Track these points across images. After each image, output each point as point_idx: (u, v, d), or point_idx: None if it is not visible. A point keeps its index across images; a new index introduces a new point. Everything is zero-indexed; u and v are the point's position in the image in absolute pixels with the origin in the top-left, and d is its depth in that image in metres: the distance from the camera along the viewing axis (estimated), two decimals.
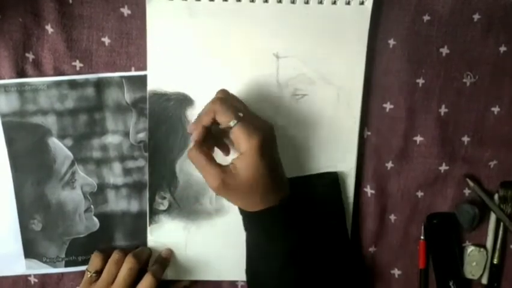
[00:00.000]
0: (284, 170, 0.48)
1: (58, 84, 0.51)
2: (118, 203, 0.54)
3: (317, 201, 0.49)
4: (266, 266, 0.46)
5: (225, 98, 0.45)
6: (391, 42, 0.53)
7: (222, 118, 0.43)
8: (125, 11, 0.51)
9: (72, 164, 0.52)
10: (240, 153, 0.43)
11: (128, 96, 0.52)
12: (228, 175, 0.43)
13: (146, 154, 0.52)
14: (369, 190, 0.55)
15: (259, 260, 0.47)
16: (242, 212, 0.47)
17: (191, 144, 0.46)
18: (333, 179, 0.53)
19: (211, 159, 0.44)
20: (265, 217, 0.45)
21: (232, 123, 0.42)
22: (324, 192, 0.51)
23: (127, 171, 0.53)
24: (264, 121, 0.46)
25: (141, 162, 0.53)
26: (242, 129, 0.42)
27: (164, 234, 0.53)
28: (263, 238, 0.47)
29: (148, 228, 0.53)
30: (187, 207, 0.53)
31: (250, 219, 0.47)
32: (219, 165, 0.44)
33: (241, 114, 0.43)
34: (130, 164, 0.53)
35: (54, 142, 0.52)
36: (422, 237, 0.56)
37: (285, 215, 0.46)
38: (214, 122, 0.44)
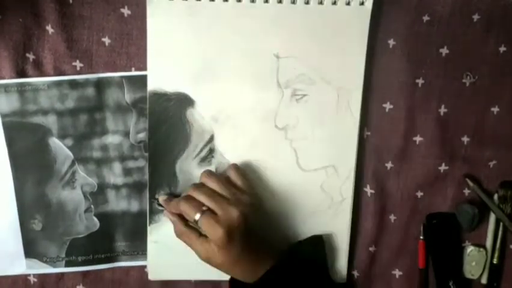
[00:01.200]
0: (267, 241, 0.50)
1: (58, 84, 0.51)
2: (118, 203, 0.54)
3: (304, 267, 0.51)
4: None
5: (189, 196, 0.48)
6: (391, 42, 0.53)
7: (187, 214, 0.47)
8: (126, 11, 0.51)
9: (72, 164, 0.52)
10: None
11: (128, 96, 0.52)
12: (211, 253, 0.46)
13: (147, 154, 0.52)
14: (369, 190, 0.55)
15: None
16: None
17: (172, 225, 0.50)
18: (319, 243, 0.53)
19: (197, 235, 0.47)
20: (266, 282, 0.47)
21: (196, 217, 0.46)
22: (311, 258, 0.52)
23: (127, 171, 0.53)
24: (232, 209, 0.46)
25: (141, 162, 0.53)
26: (205, 223, 0.45)
27: (164, 233, 0.53)
28: None
29: (148, 228, 0.54)
30: None
31: None
32: (206, 240, 0.46)
33: (204, 208, 0.46)
34: (130, 164, 0.53)
35: (54, 142, 0.52)
36: (421, 237, 0.56)
37: (272, 285, 0.48)
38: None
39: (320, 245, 0.53)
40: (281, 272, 0.48)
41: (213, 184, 0.48)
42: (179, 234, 0.49)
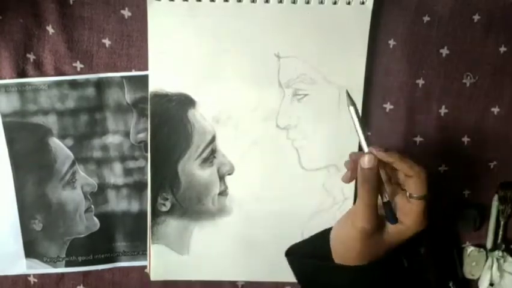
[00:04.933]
0: None
1: (59, 84, 0.51)
2: (118, 203, 0.54)
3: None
4: None
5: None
6: (391, 42, 0.53)
7: (407, 167, 0.41)
8: (126, 12, 0.51)
9: (72, 164, 0.52)
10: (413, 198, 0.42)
11: (128, 97, 0.52)
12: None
13: (147, 154, 0.52)
14: None
15: None
16: (343, 268, 0.44)
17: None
18: None
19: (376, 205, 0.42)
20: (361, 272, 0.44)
21: (415, 170, 0.41)
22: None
23: (127, 171, 0.53)
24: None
25: (141, 163, 0.53)
26: (422, 179, 0.41)
27: (167, 235, 0.54)
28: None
29: (150, 229, 0.54)
30: (189, 208, 0.54)
31: (356, 272, 0.44)
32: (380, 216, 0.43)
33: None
34: (131, 164, 0.53)
35: (55, 142, 0.52)
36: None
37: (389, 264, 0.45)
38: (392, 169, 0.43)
39: None
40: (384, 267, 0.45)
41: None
42: (369, 177, 0.42)
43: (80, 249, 0.54)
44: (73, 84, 0.51)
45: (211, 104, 0.52)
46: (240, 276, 0.55)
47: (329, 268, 0.45)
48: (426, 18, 0.53)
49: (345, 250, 0.44)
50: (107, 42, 0.51)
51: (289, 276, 0.49)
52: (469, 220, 0.55)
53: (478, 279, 0.57)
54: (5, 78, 0.51)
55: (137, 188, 0.54)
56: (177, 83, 0.51)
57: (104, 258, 0.55)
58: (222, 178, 0.53)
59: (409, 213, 0.42)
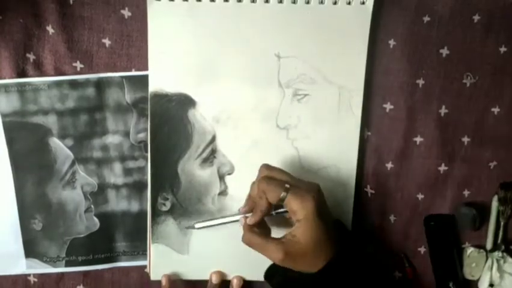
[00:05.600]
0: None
1: (59, 84, 0.51)
2: (118, 203, 0.54)
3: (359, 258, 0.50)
4: None
5: (268, 176, 0.46)
6: (391, 42, 0.53)
7: (272, 196, 0.44)
8: (126, 12, 0.51)
9: (72, 164, 0.52)
10: (296, 221, 0.44)
11: (128, 96, 0.52)
12: (288, 245, 0.44)
13: (147, 154, 0.52)
14: (369, 190, 0.55)
15: None
16: (302, 275, 0.45)
17: (241, 228, 0.47)
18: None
19: (267, 236, 0.46)
20: (328, 271, 0.45)
21: (282, 196, 0.44)
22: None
23: (127, 171, 0.53)
24: (310, 183, 0.47)
25: (141, 162, 0.53)
26: (294, 198, 0.43)
27: (167, 234, 0.54)
28: None
29: (150, 229, 0.54)
30: (189, 208, 0.54)
31: (313, 279, 0.45)
32: (276, 239, 0.45)
33: (287, 186, 0.44)
34: (131, 164, 0.53)
35: (54, 142, 0.52)
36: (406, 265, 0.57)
37: (344, 264, 0.46)
38: (270, 204, 0.46)
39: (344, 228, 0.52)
40: (341, 263, 0.46)
41: (279, 171, 0.47)
42: (250, 239, 0.46)
43: (80, 249, 0.54)
44: (73, 84, 0.51)
45: (211, 104, 0.52)
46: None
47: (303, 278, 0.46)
48: (426, 18, 0.53)
49: (296, 266, 0.45)
50: (107, 42, 0.51)
51: None
52: (469, 220, 0.55)
53: (478, 280, 0.57)
54: (5, 78, 0.51)
55: (137, 188, 0.54)
56: (177, 83, 0.51)
57: (104, 258, 0.55)
58: (222, 178, 0.54)
59: (290, 209, 0.44)
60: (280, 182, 0.45)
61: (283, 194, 0.44)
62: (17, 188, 0.52)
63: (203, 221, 0.51)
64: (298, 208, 0.43)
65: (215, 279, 0.53)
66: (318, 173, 0.54)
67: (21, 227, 0.53)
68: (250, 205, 0.48)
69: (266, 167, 0.48)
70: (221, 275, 0.53)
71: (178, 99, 0.52)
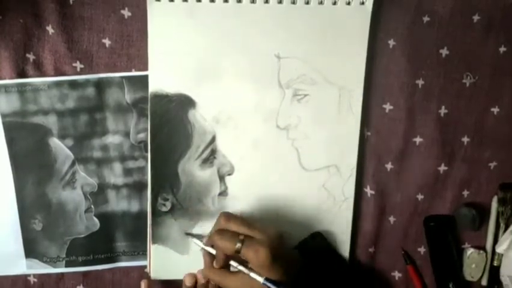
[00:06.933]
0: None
1: (59, 84, 0.51)
2: (118, 203, 0.54)
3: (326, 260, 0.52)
4: None
5: (221, 230, 0.47)
6: (391, 42, 0.53)
7: (227, 249, 0.46)
8: (126, 12, 0.51)
9: (72, 164, 0.52)
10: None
11: (128, 97, 0.52)
12: (250, 283, 0.46)
13: (147, 154, 0.52)
14: (369, 190, 0.55)
15: None
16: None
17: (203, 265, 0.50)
18: (322, 238, 0.55)
19: (226, 272, 0.48)
20: None
21: (237, 248, 0.45)
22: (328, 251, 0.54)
23: (127, 172, 0.53)
24: (267, 228, 0.47)
25: (141, 163, 0.53)
26: (248, 250, 0.45)
27: (167, 235, 0.54)
28: None
29: (150, 229, 0.54)
30: (189, 208, 0.54)
31: None
32: (236, 273, 0.47)
33: (241, 237, 0.45)
34: (131, 164, 0.53)
35: (55, 142, 0.52)
36: (407, 262, 0.57)
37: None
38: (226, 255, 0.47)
39: (324, 239, 0.54)
40: (311, 268, 0.48)
41: (236, 221, 0.48)
42: (209, 274, 0.49)
43: (80, 249, 0.54)
44: (73, 85, 0.51)
45: (211, 104, 0.52)
46: None
47: None
48: (426, 18, 0.53)
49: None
50: (107, 42, 0.51)
51: None
52: (469, 221, 0.55)
53: (478, 280, 0.57)
54: (5, 79, 0.51)
55: (137, 188, 0.54)
56: (177, 83, 0.51)
57: (104, 258, 0.55)
58: (222, 178, 0.54)
59: (246, 258, 0.45)
60: (234, 235, 0.46)
61: (238, 245, 0.45)
62: (17, 188, 0.52)
63: (200, 241, 0.51)
64: (253, 258, 0.45)
65: (188, 282, 0.53)
66: (318, 173, 0.54)
67: (22, 227, 0.53)
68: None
69: (224, 217, 0.48)
70: (195, 277, 0.53)
71: (178, 100, 0.52)
